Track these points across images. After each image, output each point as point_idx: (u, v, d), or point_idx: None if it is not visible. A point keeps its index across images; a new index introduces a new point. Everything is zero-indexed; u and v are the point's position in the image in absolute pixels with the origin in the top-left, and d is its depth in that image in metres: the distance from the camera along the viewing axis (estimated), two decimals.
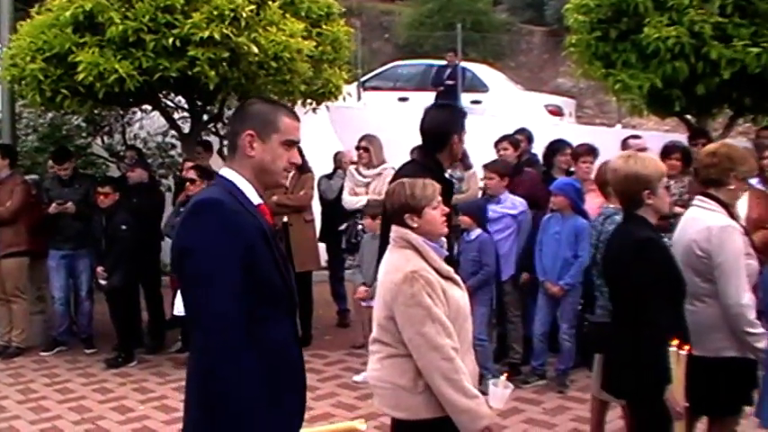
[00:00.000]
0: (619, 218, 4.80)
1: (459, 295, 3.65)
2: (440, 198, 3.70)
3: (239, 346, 2.66)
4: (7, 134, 10.37)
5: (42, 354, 8.76)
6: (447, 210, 3.78)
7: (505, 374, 3.73)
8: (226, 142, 10.58)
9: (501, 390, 3.67)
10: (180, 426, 6.31)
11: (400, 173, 4.66)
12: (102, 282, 8.37)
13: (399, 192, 3.69)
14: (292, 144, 2.98)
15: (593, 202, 7.47)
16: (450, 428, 3.49)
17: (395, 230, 3.69)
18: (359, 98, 15.38)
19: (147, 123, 11.55)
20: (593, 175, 7.76)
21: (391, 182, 4.14)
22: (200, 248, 2.69)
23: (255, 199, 2.91)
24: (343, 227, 8.41)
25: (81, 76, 7.64)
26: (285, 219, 8.41)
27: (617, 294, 4.24)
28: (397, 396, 3.57)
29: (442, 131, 4.80)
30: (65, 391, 7.52)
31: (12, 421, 6.71)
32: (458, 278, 3.73)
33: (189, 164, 8.52)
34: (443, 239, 3.77)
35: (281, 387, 2.86)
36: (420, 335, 3.45)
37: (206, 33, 7.54)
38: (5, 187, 8.72)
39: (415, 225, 3.62)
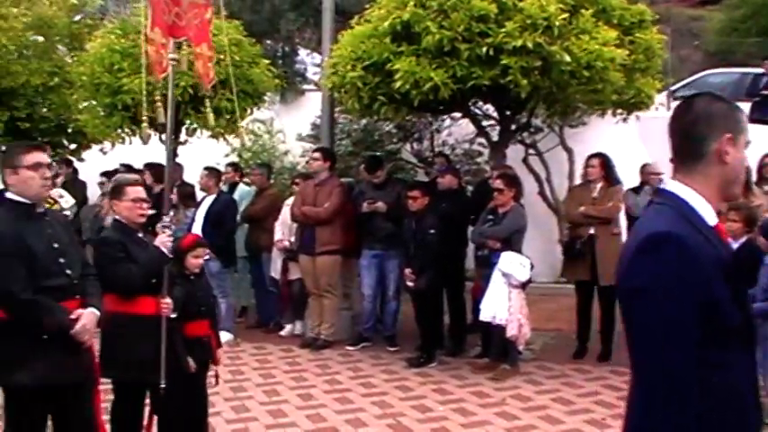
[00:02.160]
0: None
1: None
2: None
3: (687, 404, 2.30)
4: (326, 139, 11.02)
5: (348, 348, 9.21)
6: None
7: None
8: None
9: None
10: (477, 430, 6.42)
11: None
12: (410, 283, 8.62)
13: None
14: (747, 145, 2.54)
15: None
16: None
17: None
18: (668, 108, 14.72)
19: (456, 131, 11.79)
20: None
21: None
22: (655, 292, 2.33)
23: (712, 219, 2.49)
24: None
25: (398, 84, 7.88)
26: (591, 230, 8.32)
27: None
28: None
29: None
30: (368, 385, 7.83)
31: (319, 409, 7.09)
32: None
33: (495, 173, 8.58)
34: None
35: None
36: None
37: (519, 42, 7.51)
38: (324, 189, 9.23)
39: None
